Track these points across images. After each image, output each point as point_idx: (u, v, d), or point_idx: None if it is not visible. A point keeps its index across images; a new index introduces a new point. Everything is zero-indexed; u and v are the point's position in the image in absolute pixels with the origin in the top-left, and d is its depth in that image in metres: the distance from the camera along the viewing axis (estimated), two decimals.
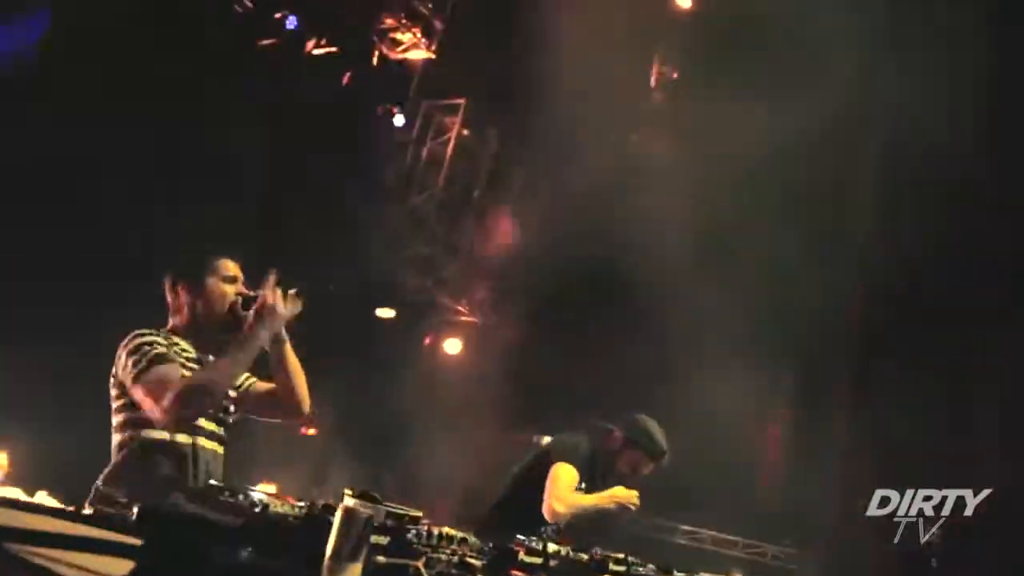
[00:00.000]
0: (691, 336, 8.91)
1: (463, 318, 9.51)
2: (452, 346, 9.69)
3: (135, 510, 1.46)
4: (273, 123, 6.88)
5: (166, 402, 2.37)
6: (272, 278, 2.52)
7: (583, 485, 3.73)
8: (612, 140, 8.17)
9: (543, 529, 3.62)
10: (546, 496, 3.63)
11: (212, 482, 1.50)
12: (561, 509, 3.61)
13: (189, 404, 2.41)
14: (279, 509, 1.44)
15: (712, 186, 8.30)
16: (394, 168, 8.32)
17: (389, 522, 1.53)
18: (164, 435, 2.47)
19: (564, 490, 3.64)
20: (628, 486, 3.82)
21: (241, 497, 1.44)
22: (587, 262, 8.79)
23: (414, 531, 1.63)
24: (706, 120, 8.27)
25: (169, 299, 2.71)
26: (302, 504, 1.55)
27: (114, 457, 2.50)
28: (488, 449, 8.82)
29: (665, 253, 8.30)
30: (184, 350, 2.62)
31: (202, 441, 2.57)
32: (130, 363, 2.47)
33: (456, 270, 8.86)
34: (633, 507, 3.69)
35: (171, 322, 2.71)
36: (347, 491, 1.68)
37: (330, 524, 1.38)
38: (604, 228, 8.72)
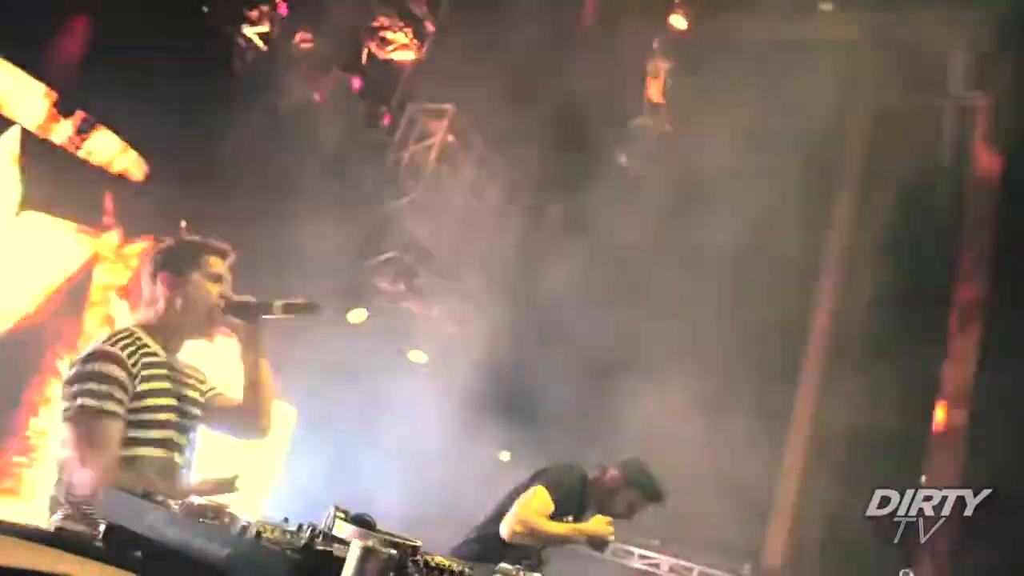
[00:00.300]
0: (653, 353, 8.95)
1: (433, 326, 9.35)
2: (417, 356, 9.54)
3: (102, 528, 1.29)
4: (252, 115, 6.69)
5: (92, 471, 2.22)
6: None
7: (570, 518, 3.60)
8: (600, 157, 8.15)
9: (524, 563, 3.48)
10: (508, 514, 3.47)
11: (194, 499, 1.33)
12: (518, 528, 3.47)
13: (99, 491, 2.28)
14: (272, 536, 1.28)
15: (692, 205, 8.37)
16: (373, 169, 8.16)
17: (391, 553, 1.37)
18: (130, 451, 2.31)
19: (528, 511, 3.50)
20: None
21: (227, 520, 1.27)
22: (563, 278, 8.74)
23: (411, 563, 1.49)
24: (689, 140, 8.36)
25: (146, 288, 2.51)
26: (292, 529, 1.39)
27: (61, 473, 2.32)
28: (449, 463, 8.69)
29: (640, 270, 8.34)
30: (152, 353, 2.42)
31: (174, 455, 2.42)
32: (78, 390, 2.29)
33: (430, 278, 8.70)
34: (607, 541, 3.52)
35: (143, 314, 2.52)
36: (338, 514, 1.53)
37: (333, 560, 1.22)
38: (582, 244, 8.71)
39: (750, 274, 8.56)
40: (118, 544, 1.27)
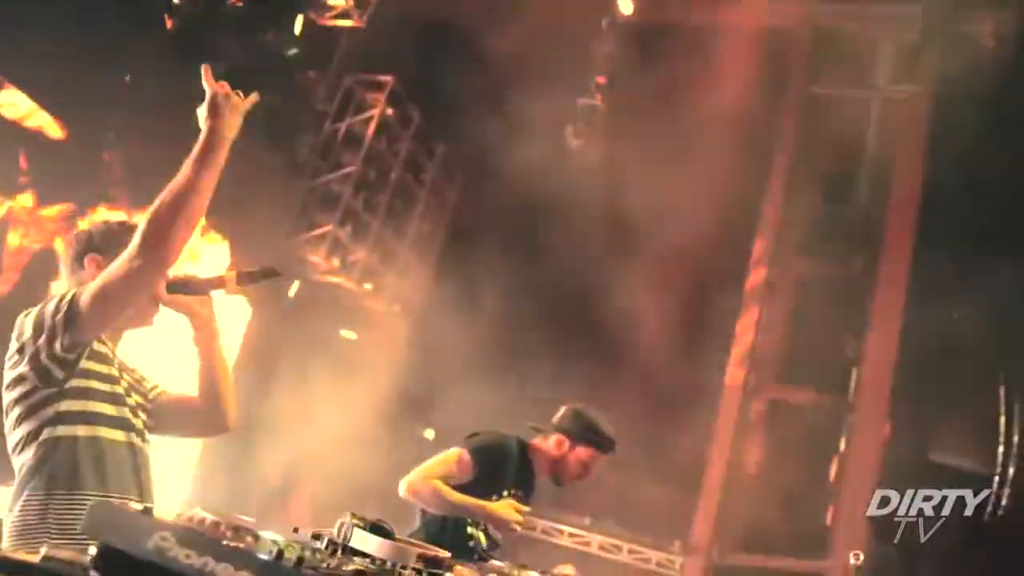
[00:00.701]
0: (581, 332, 8.97)
1: (366, 303, 9.12)
2: (349, 332, 9.32)
3: (91, 552, 1.09)
4: (180, 77, 6.29)
5: (132, 249, 1.95)
6: (207, 71, 2.10)
7: (512, 492, 3.31)
8: (544, 132, 8.03)
9: (474, 547, 3.26)
10: (413, 471, 3.21)
11: (203, 513, 1.15)
12: (417, 487, 3.16)
13: (162, 228, 1.95)
14: (313, 560, 1.10)
15: (628, 185, 8.39)
16: (309, 141, 7.84)
17: (424, 570, 1.23)
18: (90, 431, 2.03)
19: (426, 471, 3.18)
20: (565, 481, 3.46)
21: (250, 539, 1.10)
22: (501, 254, 8.65)
23: None
24: (630, 121, 8.35)
25: (69, 272, 2.22)
26: (318, 546, 1.23)
27: (22, 465, 2.03)
28: (373, 441, 8.53)
29: (585, 247, 8.32)
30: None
31: (135, 439, 2.13)
32: (47, 319, 2.01)
33: (365, 253, 8.45)
34: (512, 528, 3.17)
35: None
36: (355, 521, 1.37)
37: None
38: (522, 221, 8.62)
39: (679, 256, 8.64)
40: (114, 572, 1.08)
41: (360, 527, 1.35)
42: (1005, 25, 8.75)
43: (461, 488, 3.20)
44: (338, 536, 1.35)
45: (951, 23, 8.88)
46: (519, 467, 3.37)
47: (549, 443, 3.44)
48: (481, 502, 3.18)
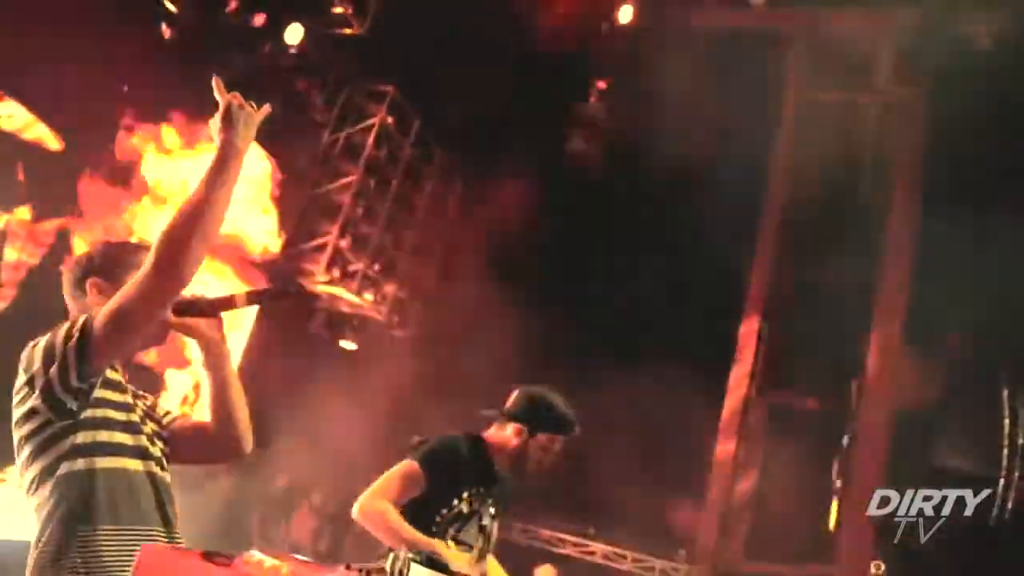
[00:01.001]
0: (584, 340, 8.93)
1: (365, 314, 9.03)
2: (347, 343, 9.25)
3: None
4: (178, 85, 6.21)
5: (146, 269, 1.86)
6: (218, 82, 2.00)
7: (472, 491, 3.12)
8: (544, 137, 8.02)
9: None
10: (367, 491, 2.97)
11: (260, 556, 1.07)
12: (361, 511, 2.93)
13: (176, 247, 1.85)
14: None
15: (628, 191, 8.36)
16: (307, 150, 7.77)
17: None
18: (108, 462, 1.93)
19: (379, 492, 2.94)
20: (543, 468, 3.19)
21: None
22: (502, 263, 8.60)
23: None
24: (631, 126, 8.33)
25: (71, 299, 2.12)
26: None
27: (39, 504, 1.93)
28: (371, 453, 8.47)
29: (579, 253, 8.28)
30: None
31: (155, 468, 2.03)
32: (59, 347, 1.90)
33: (365, 263, 8.38)
34: None
35: None
36: (411, 556, 1.31)
37: None
38: (520, 231, 8.57)
39: (681, 260, 8.61)
40: None
41: (417, 562, 1.29)
42: (1002, 26, 8.76)
43: (418, 500, 3.01)
44: (392, 572, 1.29)
45: (948, 25, 8.90)
46: (475, 465, 3.15)
47: (506, 433, 3.20)
48: (435, 545, 2.91)
